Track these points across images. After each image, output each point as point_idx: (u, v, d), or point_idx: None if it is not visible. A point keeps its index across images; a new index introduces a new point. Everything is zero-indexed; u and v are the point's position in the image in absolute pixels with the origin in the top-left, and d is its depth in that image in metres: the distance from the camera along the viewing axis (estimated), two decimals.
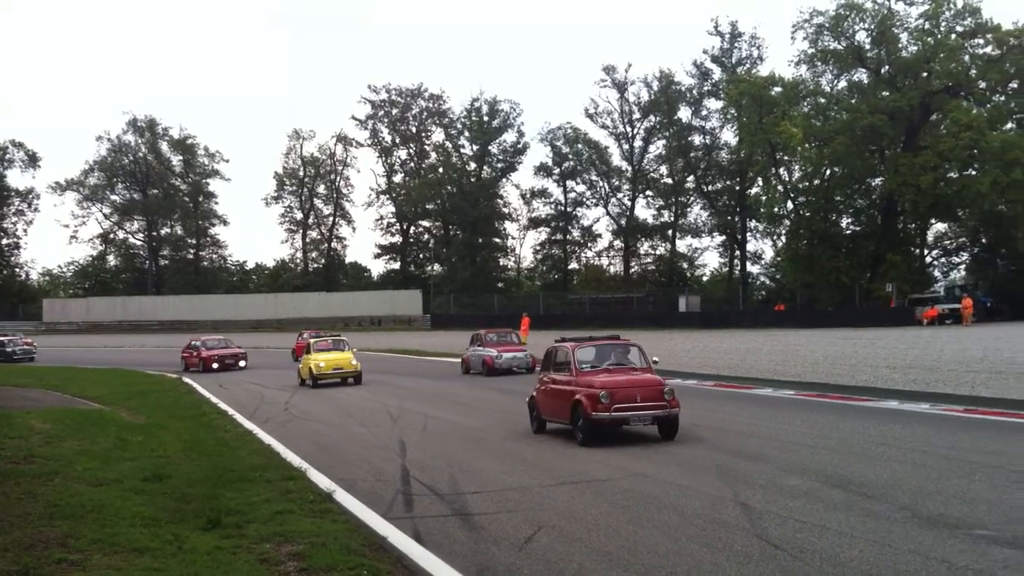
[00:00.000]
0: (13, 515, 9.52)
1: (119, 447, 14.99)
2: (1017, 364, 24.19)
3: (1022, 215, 59.01)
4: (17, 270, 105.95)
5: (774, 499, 9.99)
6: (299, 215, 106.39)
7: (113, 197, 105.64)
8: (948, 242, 76.55)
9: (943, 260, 77.49)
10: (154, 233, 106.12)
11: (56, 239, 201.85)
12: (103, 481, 11.83)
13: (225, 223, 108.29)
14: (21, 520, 9.31)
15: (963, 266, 76.35)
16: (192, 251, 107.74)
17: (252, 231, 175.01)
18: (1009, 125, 64.93)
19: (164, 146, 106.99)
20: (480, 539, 8.91)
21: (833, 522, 8.79)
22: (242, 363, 40.27)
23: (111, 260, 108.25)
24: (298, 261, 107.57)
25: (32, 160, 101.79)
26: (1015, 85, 64.59)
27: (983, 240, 71.26)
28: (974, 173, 61.81)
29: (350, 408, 22.40)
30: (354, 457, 14.72)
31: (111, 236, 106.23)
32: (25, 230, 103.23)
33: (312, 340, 32.30)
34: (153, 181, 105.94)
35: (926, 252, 75.66)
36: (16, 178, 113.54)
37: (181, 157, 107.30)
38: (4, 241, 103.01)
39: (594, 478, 11.86)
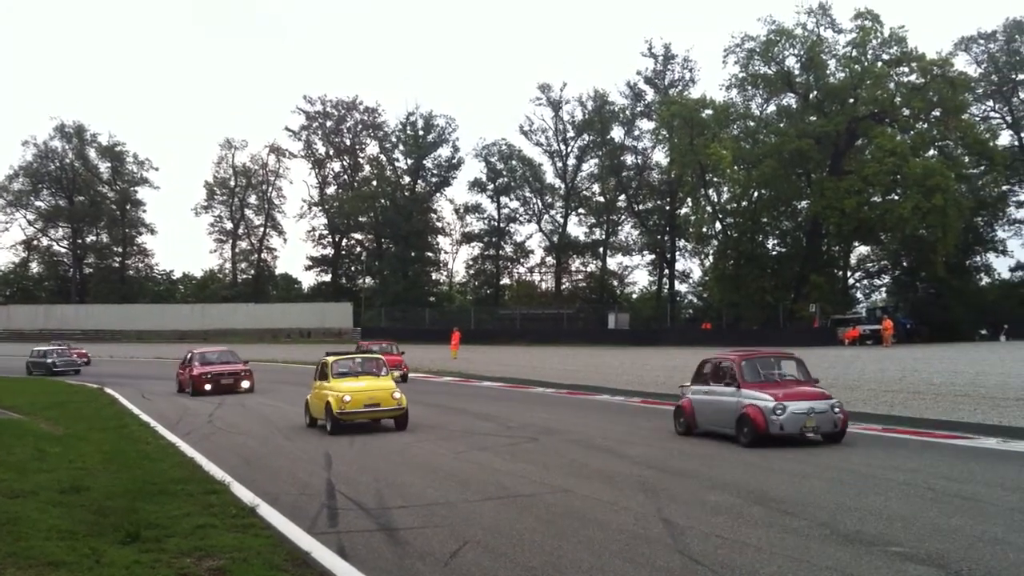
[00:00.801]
0: None
1: (36, 458, 14.64)
2: (934, 385, 24.82)
3: (942, 240, 60.49)
4: None
5: (696, 515, 10.12)
6: (229, 225, 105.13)
7: (38, 203, 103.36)
8: (870, 265, 78.41)
9: (865, 282, 79.40)
10: (79, 240, 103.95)
11: None
12: (19, 493, 11.54)
13: (153, 232, 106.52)
14: None
15: (884, 288, 78.37)
16: (118, 259, 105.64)
17: (180, 240, 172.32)
18: (931, 152, 66.71)
19: (92, 153, 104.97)
20: (405, 554, 8.88)
21: (753, 538, 8.93)
22: (244, 384, 31.33)
23: (34, 267, 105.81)
24: (227, 272, 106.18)
25: None
26: (937, 113, 66.35)
27: (904, 263, 73.10)
28: (896, 198, 63.26)
29: (276, 421, 22.15)
30: (279, 470, 14.56)
31: (34, 243, 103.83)
32: None
33: (332, 359, 20.79)
34: (80, 188, 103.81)
35: (849, 274, 77.32)
36: None
37: (109, 164, 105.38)
38: None
39: (519, 493, 11.89)
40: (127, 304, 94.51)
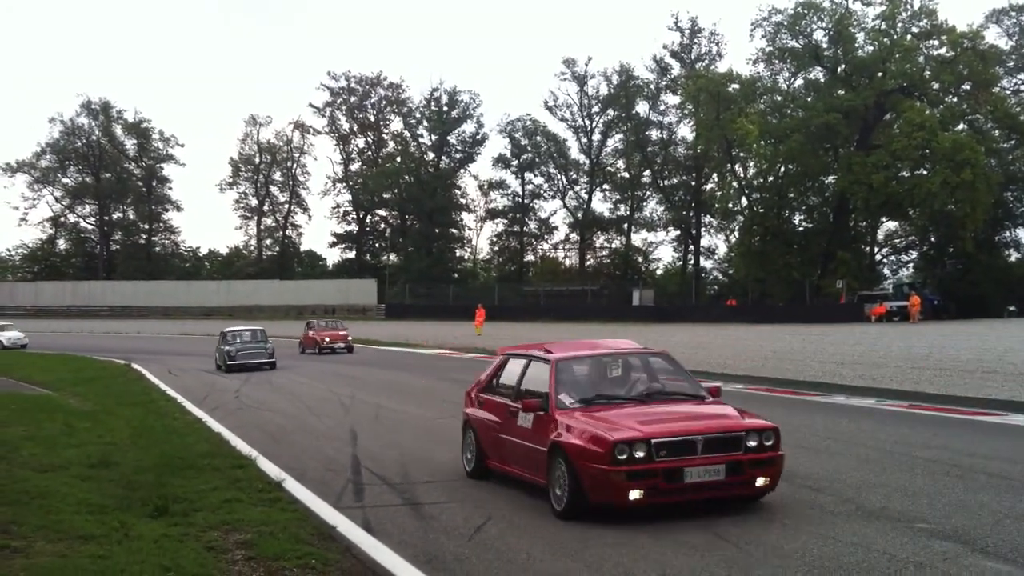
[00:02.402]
0: None
1: (66, 433, 14.80)
2: (961, 361, 24.63)
3: (970, 215, 59.91)
4: None
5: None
6: (254, 202, 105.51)
7: (65, 180, 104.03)
8: (898, 240, 77.79)
9: (892, 258, 78.87)
10: (106, 217, 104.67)
11: (5, 222, 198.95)
12: (48, 467, 11.67)
13: (179, 208, 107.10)
14: None
15: (912, 264, 77.65)
16: (144, 236, 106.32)
17: (206, 217, 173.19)
18: (960, 126, 66.00)
19: (118, 129, 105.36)
20: (430, 528, 8.91)
21: (778, 514, 8.90)
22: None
23: (61, 244, 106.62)
24: (252, 248, 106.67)
25: None
26: (967, 87, 65.59)
27: (932, 239, 72.39)
28: (925, 173, 62.72)
29: (302, 397, 22.29)
30: (305, 446, 14.65)
31: (62, 220, 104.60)
32: None
33: None
34: (106, 165, 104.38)
35: (876, 250, 76.81)
36: None
37: (135, 141, 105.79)
38: None
39: None
40: (154, 280, 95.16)
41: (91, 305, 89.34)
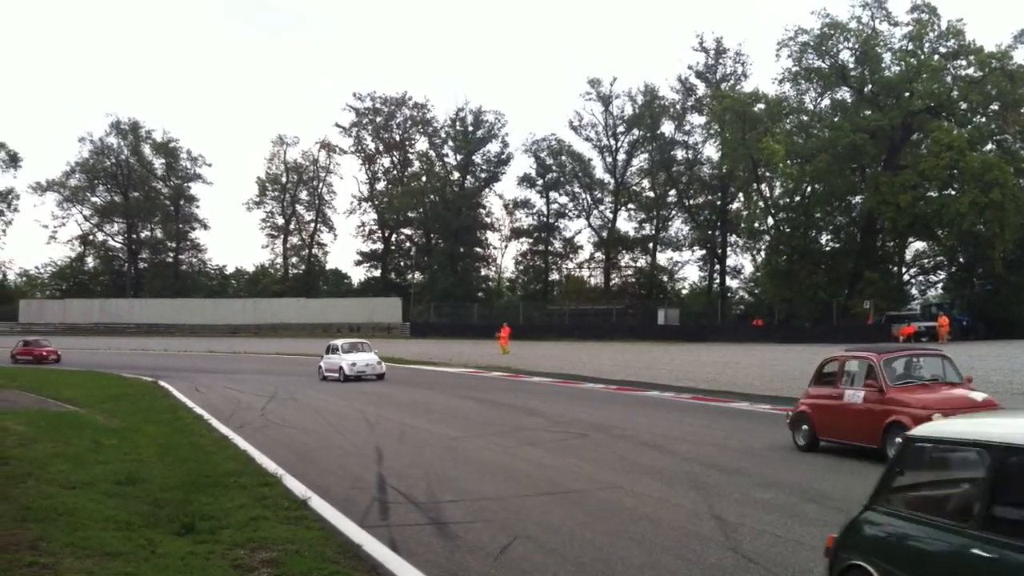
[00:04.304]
0: None
1: (93, 450, 14.87)
2: (991, 383, 24.35)
3: (999, 235, 59.39)
4: None
5: (749, 512, 10.02)
6: (280, 221, 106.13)
7: (94, 199, 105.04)
8: (926, 261, 77.16)
9: (920, 278, 78.13)
10: (134, 236, 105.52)
11: (35, 240, 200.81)
12: (76, 484, 11.73)
13: (206, 227, 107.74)
14: None
15: (940, 285, 76.99)
16: (171, 254, 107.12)
17: (233, 236, 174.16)
18: (989, 146, 65.45)
19: (146, 149, 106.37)
20: (456, 548, 8.89)
21: (807, 536, 8.83)
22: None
23: (89, 262, 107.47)
24: (278, 267, 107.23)
25: (13, 160, 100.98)
26: (995, 107, 65.13)
27: (960, 259, 71.83)
28: (953, 193, 62.24)
29: (327, 415, 22.32)
30: (330, 464, 14.66)
31: (90, 238, 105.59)
32: (4, 230, 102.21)
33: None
34: (134, 184, 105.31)
35: (904, 270, 76.20)
36: None
37: (163, 160, 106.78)
38: None
39: (569, 489, 11.87)
40: (181, 298, 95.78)
41: (118, 322, 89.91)
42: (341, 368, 33.87)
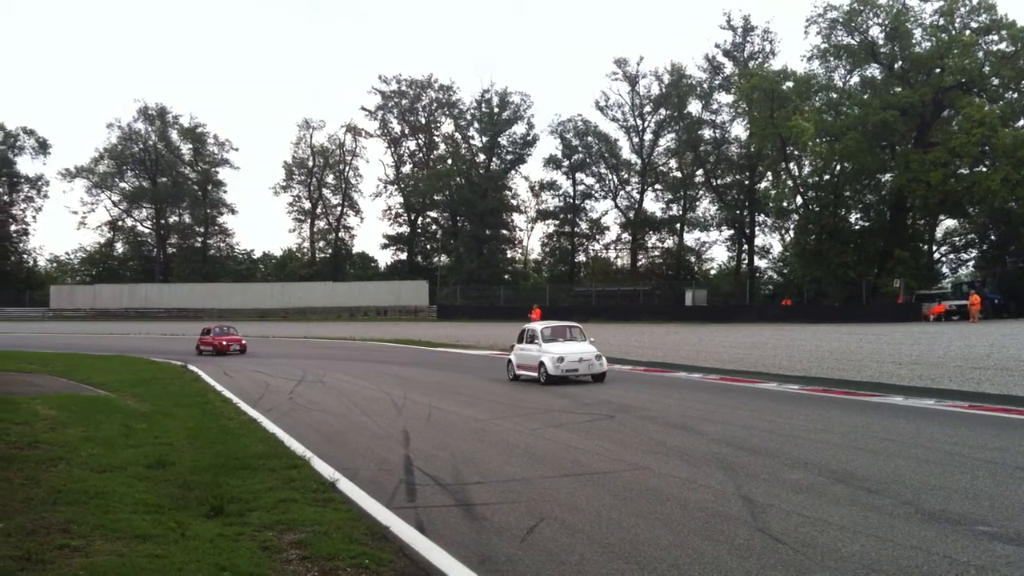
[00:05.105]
0: (16, 501, 9.54)
1: (123, 434, 15.00)
2: (1023, 361, 24.11)
3: None
4: (25, 256, 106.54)
5: (777, 493, 9.96)
6: (307, 205, 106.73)
7: (122, 184, 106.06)
8: (957, 239, 76.42)
9: (951, 256, 77.45)
10: (162, 221, 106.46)
11: (65, 226, 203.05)
12: (107, 467, 11.85)
13: (233, 212, 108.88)
14: (24, 506, 9.33)
15: (971, 263, 76.21)
16: (200, 239, 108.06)
17: (260, 220, 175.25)
18: (1021, 122, 64.71)
19: (174, 134, 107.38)
20: (482, 529, 8.90)
21: (835, 516, 8.77)
22: None
23: (119, 247, 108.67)
24: (305, 250, 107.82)
25: (42, 147, 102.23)
26: None
27: (992, 237, 71.12)
28: (985, 170, 61.58)
29: (354, 398, 22.38)
30: (358, 446, 14.69)
31: (119, 223, 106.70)
32: (34, 217, 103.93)
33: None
34: (162, 169, 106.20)
35: (934, 248, 75.55)
36: (26, 165, 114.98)
37: (191, 145, 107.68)
38: (13, 227, 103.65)
39: (596, 470, 11.84)
40: (209, 283, 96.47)
41: (148, 307, 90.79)
42: (542, 365, 24.18)
